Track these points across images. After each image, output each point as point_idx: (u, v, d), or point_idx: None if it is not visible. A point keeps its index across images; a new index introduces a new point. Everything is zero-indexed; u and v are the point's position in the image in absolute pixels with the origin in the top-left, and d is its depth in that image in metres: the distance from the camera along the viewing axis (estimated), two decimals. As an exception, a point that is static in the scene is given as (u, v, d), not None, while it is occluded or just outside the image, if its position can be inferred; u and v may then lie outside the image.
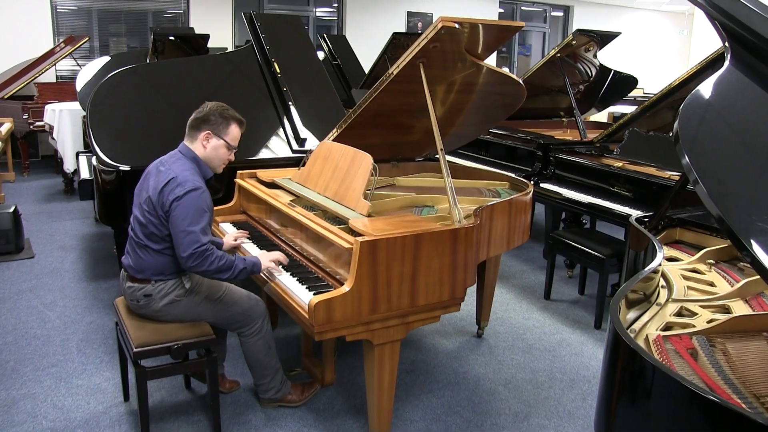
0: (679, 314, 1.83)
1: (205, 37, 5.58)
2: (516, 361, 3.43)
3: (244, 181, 3.31)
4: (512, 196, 2.96)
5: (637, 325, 1.74)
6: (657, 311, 1.84)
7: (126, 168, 3.36)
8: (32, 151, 8.69)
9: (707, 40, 6.13)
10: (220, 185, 3.69)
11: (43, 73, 7.78)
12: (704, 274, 2.23)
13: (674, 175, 3.85)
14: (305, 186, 3.00)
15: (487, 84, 3.08)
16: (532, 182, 4.50)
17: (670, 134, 4.18)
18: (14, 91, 7.58)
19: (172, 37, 5.44)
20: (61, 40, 8.27)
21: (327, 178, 2.85)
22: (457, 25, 2.40)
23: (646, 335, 1.68)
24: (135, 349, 2.41)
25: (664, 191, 3.80)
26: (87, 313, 3.85)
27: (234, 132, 2.59)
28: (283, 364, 2.87)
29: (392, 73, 2.69)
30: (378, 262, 2.20)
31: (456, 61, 2.77)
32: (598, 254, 3.82)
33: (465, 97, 3.20)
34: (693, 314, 1.86)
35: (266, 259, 2.59)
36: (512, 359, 3.45)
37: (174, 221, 2.39)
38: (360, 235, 2.27)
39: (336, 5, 11.30)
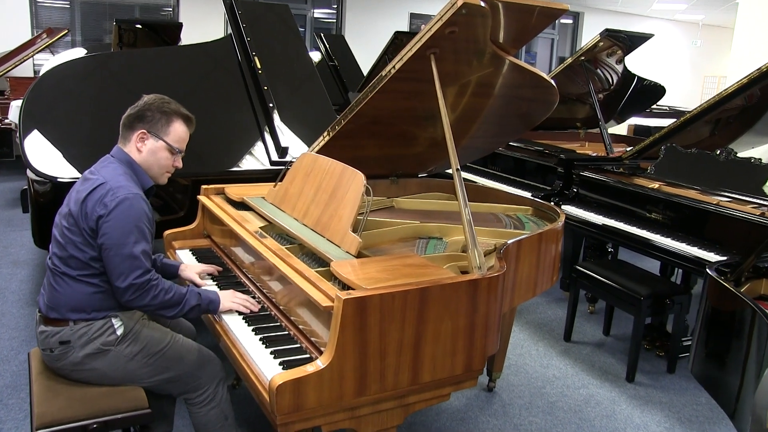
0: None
1: (178, 26, 4.97)
2: (536, 426, 2.80)
3: (208, 198, 2.69)
4: (542, 229, 2.33)
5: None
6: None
7: (64, 179, 2.74)
8: (6, 150, 8.06)
9: (745, 54, 5.58)
10: (184, 200, 3.07)
11: (16, 66, 7.18)
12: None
13: (723, 200, 3.23)
14: (281, 208, 2.38)
15: (510, 86, 2.46)
16: (552, 203, 3.89)
17: (718, 152, 3.62)
18: (-17, 85, 6.99)
19: (139, 26, 4.83)
20: (39, 33, 7.66)
21: (307, 200, 2.23)
22: (482, 3, 1.78)
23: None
24: (36, 431, 1.78)
25: (708, 218, 3.19)
26: (24, 347, 3.22)
27: (178, 131, 2.03)
28: (253, 430, 2.25)
29: (394, 67, 2.07)
30: (368, 326, 1.57)
31: (476, 54, 2.14)
32: (633, 294, 3.19)
33: (481, 101, 2.57)
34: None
35: (228, 300, 2.05)
36: (531, 422, 2.83)
37: (107, 241, 1.84)
38: (345, 286, 1.65)
39: (335, 6, 10.71)
